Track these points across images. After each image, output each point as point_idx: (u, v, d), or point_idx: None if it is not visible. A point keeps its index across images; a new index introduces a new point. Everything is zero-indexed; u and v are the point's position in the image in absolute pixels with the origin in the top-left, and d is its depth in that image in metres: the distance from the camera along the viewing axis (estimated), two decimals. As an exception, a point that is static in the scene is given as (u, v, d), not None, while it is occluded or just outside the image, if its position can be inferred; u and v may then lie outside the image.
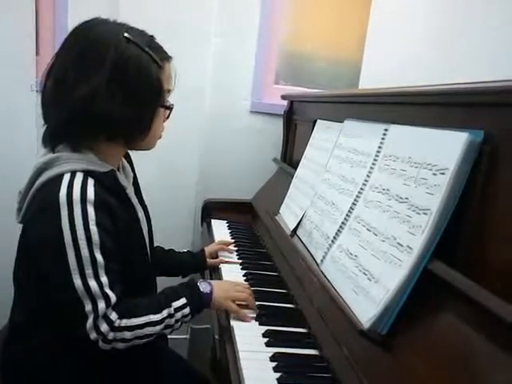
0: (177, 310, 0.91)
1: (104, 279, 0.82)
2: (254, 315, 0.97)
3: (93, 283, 0.81)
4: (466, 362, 0.57)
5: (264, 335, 0.90)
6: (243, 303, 0.99)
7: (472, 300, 0.58)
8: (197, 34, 1.81)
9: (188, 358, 1.77)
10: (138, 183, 1.07)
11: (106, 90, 0.82)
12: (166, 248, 1.27)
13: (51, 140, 0.89)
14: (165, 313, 0.89)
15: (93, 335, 0.83)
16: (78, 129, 0.85)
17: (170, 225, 1.86)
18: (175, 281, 1.08)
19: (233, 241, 1.44)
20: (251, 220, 1.70)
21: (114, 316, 0.84)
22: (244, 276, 1.20)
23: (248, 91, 2.01)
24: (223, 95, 1.97)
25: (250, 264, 1.28)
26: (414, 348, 0.65)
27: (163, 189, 1.88)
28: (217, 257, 1.31)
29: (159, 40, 0.94)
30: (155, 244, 1.22)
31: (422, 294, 0.68)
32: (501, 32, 1.08)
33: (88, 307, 0.81)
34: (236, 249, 1.38)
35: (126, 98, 0.84)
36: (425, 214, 0.69)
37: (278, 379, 0.76)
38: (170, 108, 0.95)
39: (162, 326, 0.88)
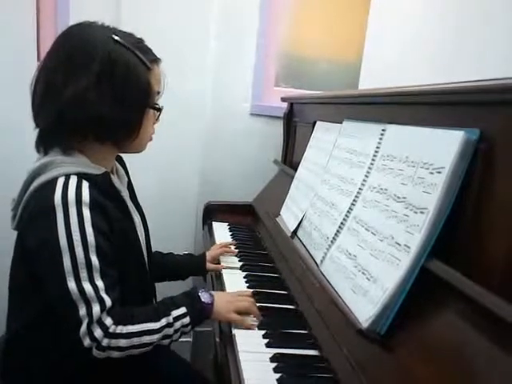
0: (176, 319, 0.87)
1: (100, 283, 0.81)
2: (257, 323, 0.94)
3: (87, 286, 0.79)
4: (464, 361, 0.57)
5: (264, 336, 0.90)
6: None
7: (470, 298, 0.58)
8: (196, 38, 1.82)
9: (191, 361, 1.77)
10: (132, 187, 1.06)
11: (94, 90, 0.82)
12: (166, 252, 1.26)
13: (42, 142, 0.88)
14: (163, 321, 0.86)
15: (86, 342, 0.79)
16: (66, 129, 0.85)
17: (171, 228, 1.87)
18: (176, 287, 1.07)
19: (233, 241, 1.46)
20: (252, 222, 1.70)
21: (108, 321, 0.81)
22: (245, 278, 1.20)
23: (248, 94, 2.02)
24: (223, 98, 1.98)
25: (250, 266, 1.28)
26: (412, 347, 0.65)
27: (164, 192, 1.89)
28: (219, 262, 1.31)
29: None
30: (156, 249, 1.21)
31: (420, 293, 0.68)
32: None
33: (82, 311, 0.79)
34: (237, 251, 1.38)
35: (114, 98, 0.84)
36: (422, 212, 0.69)
37: (278, 380, 0.76)
38: (159, 110, 0.94)
39: (160, 335, 0.85)
